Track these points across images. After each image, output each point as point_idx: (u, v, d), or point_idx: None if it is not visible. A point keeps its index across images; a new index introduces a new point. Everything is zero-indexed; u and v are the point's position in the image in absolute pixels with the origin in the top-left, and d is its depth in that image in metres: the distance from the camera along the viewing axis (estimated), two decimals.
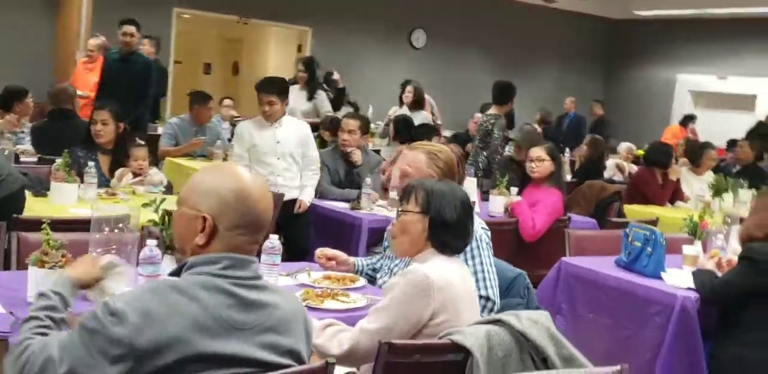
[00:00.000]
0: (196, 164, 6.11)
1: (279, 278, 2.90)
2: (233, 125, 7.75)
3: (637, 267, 3.67)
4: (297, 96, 7.39)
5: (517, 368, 2.12)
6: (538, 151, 5.06)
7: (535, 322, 2.18)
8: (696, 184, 6.87)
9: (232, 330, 1.69)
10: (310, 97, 7.65)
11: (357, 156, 5.44)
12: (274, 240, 2.81)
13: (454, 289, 2.31)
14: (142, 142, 5.09)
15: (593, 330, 3.71)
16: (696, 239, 4.04)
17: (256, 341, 1.72)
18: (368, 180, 5.04)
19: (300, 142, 5.11)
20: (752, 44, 11.86)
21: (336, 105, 8.36)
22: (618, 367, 1.98)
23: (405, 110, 7.80)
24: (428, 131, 6.24)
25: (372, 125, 9.26)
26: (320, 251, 3.13)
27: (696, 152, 7.18)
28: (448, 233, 2.41)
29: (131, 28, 6.94)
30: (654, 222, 5.15)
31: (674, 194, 6.54)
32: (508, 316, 2.19)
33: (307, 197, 5.10)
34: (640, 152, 10.69)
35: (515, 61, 12.91)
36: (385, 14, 11.57)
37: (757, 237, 3.29)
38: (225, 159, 6.32)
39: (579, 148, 9.40)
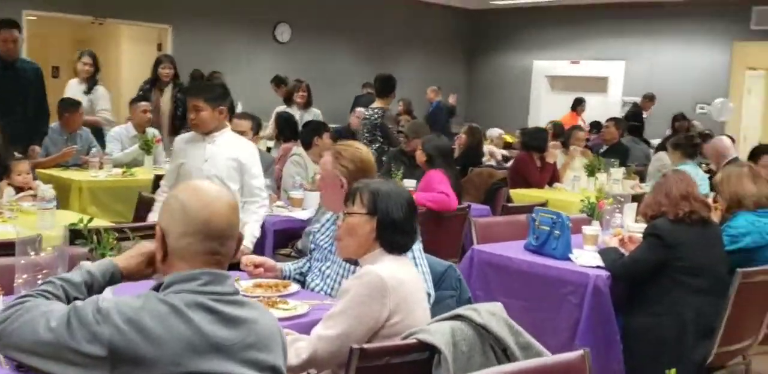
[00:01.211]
0: (70, 174, 5.83)
1: None
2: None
3: (547, 250, 3.82)
4: (75, 90, 6.98)
5: (480, 360, 2.18)
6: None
7: (493, 314, 2.24)
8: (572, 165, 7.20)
9: (216, 347, 1.67)
10: (88, 91, 7.01)
11: None
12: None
13: (407, 288, 2.34)
14: (20, 155, 4.80)
15: (510, 315, 3.80)
16: (594, 219, 4.25)
17: (238, 358, 1.70)
18: (267, 181, 4.98)
19: (236, 165, 4.17)
20: (602, 29, 12.52)
21: None
22: (581, 351, 2.07)
23: (294, 109, 7.72)
24: (315, 128, 6.21)
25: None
26: (247, 259, 3.07)
27: (567, 136, 7.56)
28: (396, 232, 2.43)
29: (12, 33, 5.91)
30: (543, 205, 5.39)
31: (552, 176, 6.85)
32: (467, 311, 2.24)
33: (248, 238, 4.09)
34: (508, 137, 11.12)
35: (381, 53, 13.04)
36: (247, 9, 11.39)
37: (658, 213, 3.51)
38: (101, 167, 6.07)
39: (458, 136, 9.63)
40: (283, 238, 4.67)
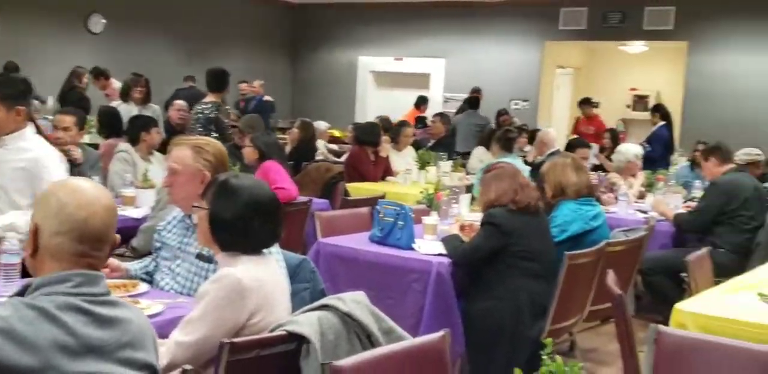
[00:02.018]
0: None
1: None
2: None
3: (391, 240, 3.96)
4: None
5: (346, 347, 2.25)
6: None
7: (358, 303, 2.32)
8: (399, 159, 7.43)
9: (92, 348, 1.65)
10: None
11: (77, 154, 5.11)
12: (14, 241, 2.65)
13: (267, 288, 2.32)
14: None
15: None
16: (432, 210, 4.44)
17: (114, 358, 1.69)
18: (96, 179, 4.79)
19: (22, 174, 3.41)
20: (424, 26, 12.92)
21: None
22: (441, 333, 2.20)
23: (132, 105, 7.35)
24: (143, 123, 6.01)
25: (50, 117, 8.68)
26: None
27: (394, 130, 7.80)
28: (225, 231, 2.38)
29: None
30: (383, 198, 5.55)
31: (385, 170, 7.05)
32: (332, 300, 2.30)
33: None
34: (335, 132, 11.28)
35: (201, 47, 12.75)
36: None
37: (499, 203, 3.73)
38: None
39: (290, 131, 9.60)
40: (124, 237, 4.51)
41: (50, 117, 8.73)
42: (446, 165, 7.11)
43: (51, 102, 9.32)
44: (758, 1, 10.02)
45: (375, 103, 13.83)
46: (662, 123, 8.93)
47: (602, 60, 13.30)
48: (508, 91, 12.00)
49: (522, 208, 3.70)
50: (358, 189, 6.38)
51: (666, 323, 4.82)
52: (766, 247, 4.94)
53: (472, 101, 10.52)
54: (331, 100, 14.09)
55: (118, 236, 1.81)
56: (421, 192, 4.63)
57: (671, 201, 5.71)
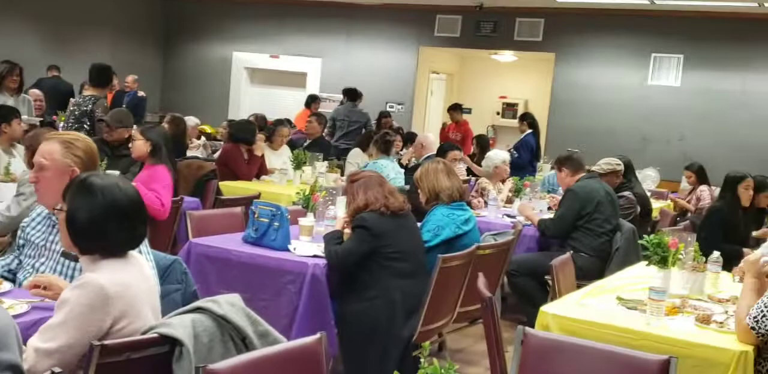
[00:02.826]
0: None
1: None
2: None
3: (266, 241, 3.93)
4: None
5: (220, 350, 2.21)
6: (131, 131, 5.06)
7: (233, 305, 2.29)
8: (274, 159, 7.37)
9: None
10: None
11: None
12: None
13: (132, 291, 2.25)
14: None
15: None
16: (309, 211, 4.43)
17: None
18: None
19: None
20: (301, 25, 12.85)
21: None
22: (318, 335, 2.20)
23: (5, 96, 6.88)
24: (6, 114, 5.68)
25: None
26: None
27: (270, 129, 7.73)
28: (82, 234, 2.29)
29: None
30: (257, 198, 5.50)
31: (259, 169, 6.98)
32: (207, 303, 2.26)
33: None
34: (207, 128, 11.05)
35: (67, 36, 12.20)
36: None
37: (372, 209, 3.77)
38: None
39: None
40: None
41: None
42: (322, 165, 7.11)
43: None
44: (619, 18, 10.58)
45: (249, 101, 13.65)
46: (529, 131, 9.29)
47: (474, 67, 13.68)
48: (384, 94, 12.14)
49: (392, 212, 3.77)
50: (232, 188, 6.28)
51: (531, 324, 5.05)
52: (625, 252, 5.23)
53: (350, 93, 10.35)
54: (204, 95, 13.79)
55: None
56: (297, 192, 4.61)
57: (536, 207, 5.95)
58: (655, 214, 7.00)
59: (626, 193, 5.99)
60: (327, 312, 3.73)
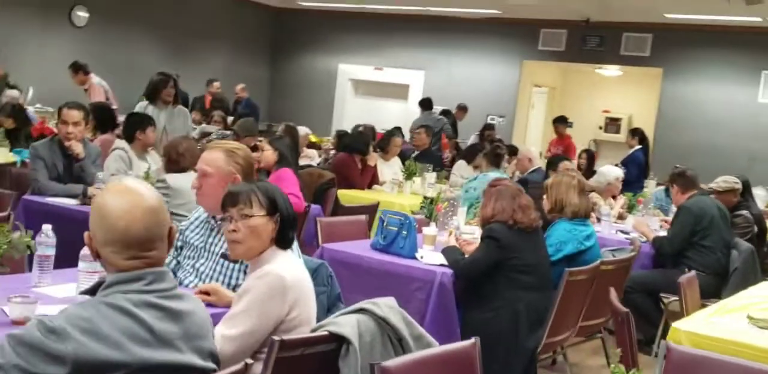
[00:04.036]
0: None
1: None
2: None
3: (394, 249, 4.09)
4: None
5: (380, 350, 2.38)
6: (257, 140, 5.31)
7: (392, 308, 2.45)
8: (386, 169, 7.56)
9: (167, 341, 1.76)
10: None
11: (78, 148, 5.14)
12: (49, 232, 2.72)
13: (304, 284, 2.49)
14: None
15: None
16: (431, 220, 4.58)
17: (186, 348, 1.80)
18: (100, 174, 4.83)
19: None
20: (404, 38, 13.10)
21: None
22: (472, 340, 2.33)
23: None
24: (141, 122, 6.05)
25: (31, 108, 8.61)
26: None
27: (384, 140, 7.92)
28: (292, 228, 2.57)
29: None
30: (376, 207, 5.69)
31: (372, 179, 7.17)
32: (368, 305, 2.43)
33: None
34: (312, 138, 11.37)
35: (185, 45, 12.77)
36: None
37: (499, 220, 3.88)
38: None
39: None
40: None
41: (31, 108, 8.72)
42: (431, 176, 7.26)
43: (31, 93, 9.27)
44: (729, 35, 10.39)
45: (353, 111, 13.95)
46: (639, 146, 9.20)
47: (577, 81, 13.62)
48: (486, 107, 12.23)
49: (520, 228, 3.86)
50: (347, 196, 6.49)
51: (646, 341, 5.06)
52: (743, 272, 5.17)
53: (425, 103, 10.93)
54: (309, 105, 14.18)
55: (174, 227, 1.88)
56: (422, 202, 4.76)
57: (650, 223, 5.93)
58: None
59: (744, 212, 5.91)
60: (453, 320, 3.85)
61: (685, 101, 10.79)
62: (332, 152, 8.71)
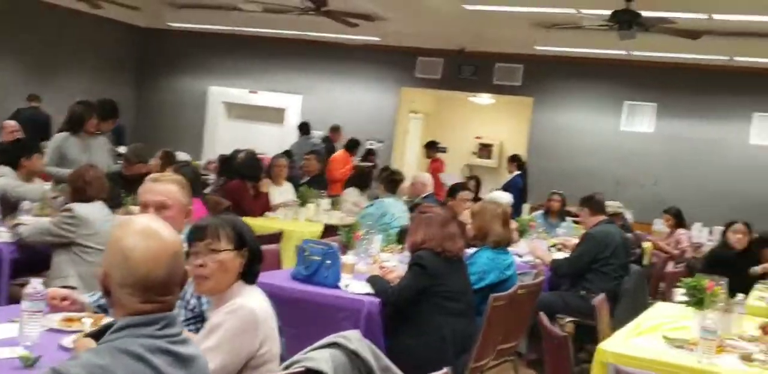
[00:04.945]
0: None
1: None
2: None
3: (318, 279, 4.06)
4: None
5: None
6: (149, 167, 5.17)
7: (360, 341, 2.44)
8: (277, 195, 7.47)
9: None
10: None
11: None
12: (36, 285, 2.52)
13: (272, 319, 2.46)
14: None
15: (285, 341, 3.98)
16: (349, 249, 4.58)
17: None
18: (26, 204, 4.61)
19: None
20: (282, 62, 13.05)
21: None
22: (444, 370, 2.36)
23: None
24: (26, 147, 5.72)
25: None
26: (54, 291, 2.89)
27: (271, 166, 7.84)
28: (259, 262, 2.54)
29: None
30: (279, 235, 5.62)
31: (264, 206, 7.08)
32: (339, 339, 2.41)
33: None
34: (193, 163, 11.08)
35: (47, 66, 12.18)
36: None
37: (427, 247, 3.94)
38: None
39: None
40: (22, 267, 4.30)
41: None
42: (325, 202, 7.26)
43: None
44: (596, 67, 11.06)
45: (226, 135, 13.70)
46: (518, 172, 9.59)
47: (452, 108, 14.04)
48: (365, 131, 12.38)
49: (447, 257, 3.94)
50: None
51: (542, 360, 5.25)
52: (633, 293, 5.49)
53: (303, 127, 11.25)
54: (179, 128, 13.80)
55: (187, 270, 1.84)
56: (339, 230, 4.76)
57: (542, 247, 6.19)
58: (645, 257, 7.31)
59: (630, 235, 6.28)
60: (381, 349, 3.84)
61: (554, 129, 11.35)
62: (212, 177, 8.53)
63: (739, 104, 10.36)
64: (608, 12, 7.11)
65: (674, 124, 10.72)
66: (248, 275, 2.50)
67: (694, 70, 10.47)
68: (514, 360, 4.64)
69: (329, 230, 6.23)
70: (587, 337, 4.83)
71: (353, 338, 2.43)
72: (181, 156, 10.20)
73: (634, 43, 8.03)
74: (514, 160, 9.79)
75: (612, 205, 6.34)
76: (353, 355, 2.39)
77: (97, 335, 1.74)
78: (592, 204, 5.75)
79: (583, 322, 5.44)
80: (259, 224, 6.31)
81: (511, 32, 9.87)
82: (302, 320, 3.94)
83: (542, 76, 11.38)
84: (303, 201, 7.06)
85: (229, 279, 2.45)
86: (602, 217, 5.72)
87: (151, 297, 1.72)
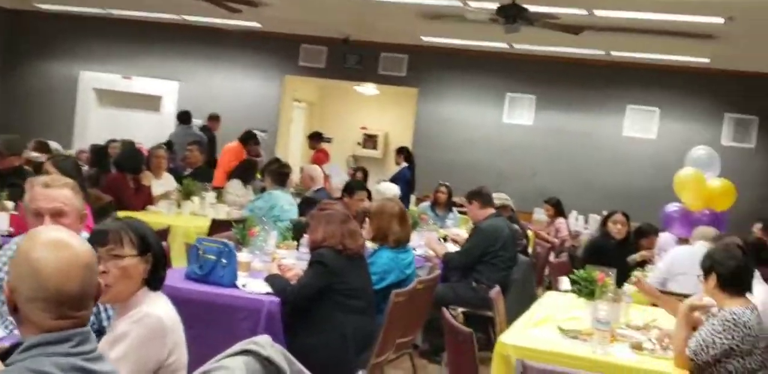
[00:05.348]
0: None
1: None
2: None
3: (214, 278, 3.92)
4: None
5: None
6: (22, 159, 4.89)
7: (272, 346, 2.35)
8: (157, 187, 7.18)
9: None
10: None
11: None
12: None
13: (179, 326, 2.35)
14: None
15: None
16: (244, 246, 4.45)
17: None
18: None
19: None
20: (158, 47, 12.56)
21: None
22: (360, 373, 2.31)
23: None
24: None
25: None
26: None
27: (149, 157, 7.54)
28: (163, 267, 2.43)
29: None
30: (166, 232, 5.42)
31: (146, 199, 6.80)
32: (251, 345, 2.30)
33: None
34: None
35: None
36: None
37: (327, 244, 3.88)
38: None
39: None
40: None
41: None
42: (211, 196, 7.05)
43: None
44: (479, 59, 11.24)
45: (98, 123, 13.08)
46: (405, 164, 9.64)
47: (337, 97, 13.95)
48: (248, 121, 12.12)
49: (348, 255, 3.90)
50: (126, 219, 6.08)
51: (434, 352, 5.33)
52: (522, 283, 5.64)
53: (183, 116, 10.78)
54: (47, 116, 13.07)
55: (101, 282, 1.72)
56: (234, 227, 4.61)
57: (433, 239, 6.24)
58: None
59: (516, 227, 6.43)
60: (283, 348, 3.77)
61: (439, 120, 11.48)
62: (85, 168, 8.12)
63: (614, 97, 10.81)
64: (494, 5, 7.23)
65: (552, 117, 11.07)
66: (153, 281, 2.38)
67: (572, 63, 10.83)
68: (410, 352, 4.68)
69: (217, 225, 6.04)
70: (477, 327, 4.93)
71: (265, 344, 2.33)
72: (53, 145, 9.71)
73: (517, 37, 8.21)
74: (402, 152, 9.84)
75: (499, 197, 6.47)
76: (266, 362, 2.29)
77: (3, 356, 1.59)
78: (481, 197, 5.84)
79: (473, 313, 5.54)
80: (141, 219, 6.05)
81: (396, 22, 9.87)
82: (199, 321, 3.79)
83: (427, 67, 11.47)
84: (187, 194, 6.83)
85: (133, 286, 2.34)
86: (491, 210, 5.83)
87: (65, 312, 1.61)
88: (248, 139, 10.07)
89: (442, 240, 6.54)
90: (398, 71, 11.62)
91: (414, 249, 5.99)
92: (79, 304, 1.63)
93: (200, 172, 8.08)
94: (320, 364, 3.73)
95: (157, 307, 2.31)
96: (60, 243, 1.63)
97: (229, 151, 9.75)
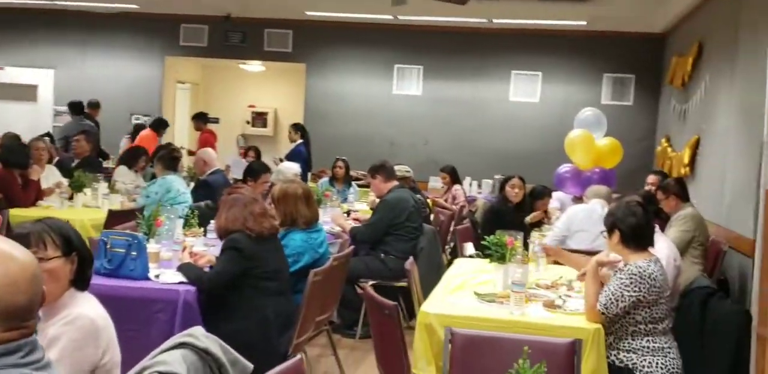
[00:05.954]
0: None
1: None
2: None
3: (124, 272, 3.82)
4: None
5: None
6: None
7: (207, 337, 2.34)
8: (43, 181, 6.88)
9: None
10: None
11: None
12: None
13: (111, 325, 2.33)
14: None
15: None
16: (150, 237, 4.34)
17: None
18: None
19: None
20: (29, 34, 11.94)
21: None
22: (299, 356, 2.33)
23: None
24: None
25: None
26: None
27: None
28: (89, 266, 2.38)
29: None
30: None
31: (36, 194, 6.52)
32: (187, 338, 2.28)
33: None
34: None
35: None
36: None
37: (234, 229, 3.84)
38: None
39: None
40: None
41: None
42: (103, 187, 6.82)
43: None
44: (365, 32, 11.21)
45: None
46: (301, 141, 9.58)
47: (221, 77, 13.65)
48: (129, 105, 11.76)
49: (264, 234, 3.87)
50: (17, 217, 5.80)
51: (347, 325, 5.39)
52: (429, 252, 5.75)
53: (74, 107, 10.40)
54: None
55: (44, 290, 1.65)
56: (138, 218, 4.48)
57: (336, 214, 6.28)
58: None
59: (418, 196, 6.53)
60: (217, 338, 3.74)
61: (329, 95, 11.42)
62: None
63: (499, 64, 11.03)
64: None
65: (440, 86, 11.21)
66: (79, 281, 2.32)
67: (457, 33, 10.97)
68: (327, 328, 4.72)
69: (113, 216, 5.83)
70: (388, 298, 5.02)
71: (200, 335, 2.31)
72: None
73: (402, 9, 8.25)
74: (297, 128, 9.76)
75: (400, 170, 6.55)
76: (203, 353, 2.28)
77: None
78: (384, 171, 5.91)
79: (383, 284, 5.63)
80: (33, 215, 5.80)
81: None
82: (114, 317, 3.70)
83: (313, 41, 11.37)
84: (79, 186, 6.58)
85: (60, 287, 2.28)
86: (394, 183, 5.90)
87: (15, 324, 1.55)
88: (159, 125, 10.09)
89: (346, 215, 6.58)
90: (284, 47, 11.47)
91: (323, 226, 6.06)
92: (28, 315, 1.58)
93: (88, 161, 7.78)
94: (246, 349, 3.72)
95: (87, 308, 2.27)
96: (4, 257, 1.55)
97: (143, 139, 9.55)
